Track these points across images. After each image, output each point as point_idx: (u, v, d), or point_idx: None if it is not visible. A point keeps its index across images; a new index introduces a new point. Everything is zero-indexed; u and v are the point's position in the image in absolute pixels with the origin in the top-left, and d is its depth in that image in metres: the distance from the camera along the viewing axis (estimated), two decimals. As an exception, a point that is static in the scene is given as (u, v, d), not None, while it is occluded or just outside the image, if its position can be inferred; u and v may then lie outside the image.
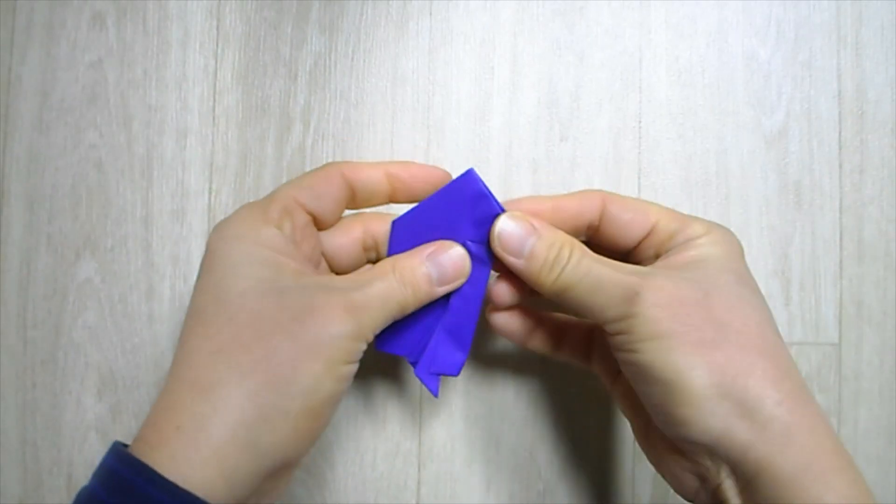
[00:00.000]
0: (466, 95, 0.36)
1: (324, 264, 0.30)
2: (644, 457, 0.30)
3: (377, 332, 0.26)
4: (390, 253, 0.29)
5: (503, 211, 0.28)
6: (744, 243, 0.35)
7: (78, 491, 0.23)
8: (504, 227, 0.28)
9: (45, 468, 0.36)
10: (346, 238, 0.30)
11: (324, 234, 0.30)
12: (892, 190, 0.35)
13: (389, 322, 0.27)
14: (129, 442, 0.25)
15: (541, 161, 0.36)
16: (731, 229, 0.35)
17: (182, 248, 0.36)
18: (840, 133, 0.36)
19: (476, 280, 0.29)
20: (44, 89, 0.37)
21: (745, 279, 0.27)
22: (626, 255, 0.30)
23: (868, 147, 0.35)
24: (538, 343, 0.31)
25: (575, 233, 0.29)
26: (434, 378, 0.30)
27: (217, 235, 0.27)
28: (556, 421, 0.35)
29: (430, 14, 0.36)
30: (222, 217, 0.36)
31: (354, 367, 0.26)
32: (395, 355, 0.30)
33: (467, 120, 0.36)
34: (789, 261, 0.35)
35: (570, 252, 0.27)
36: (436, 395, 0.30)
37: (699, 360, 0.24)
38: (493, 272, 0.29)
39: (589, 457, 0.35)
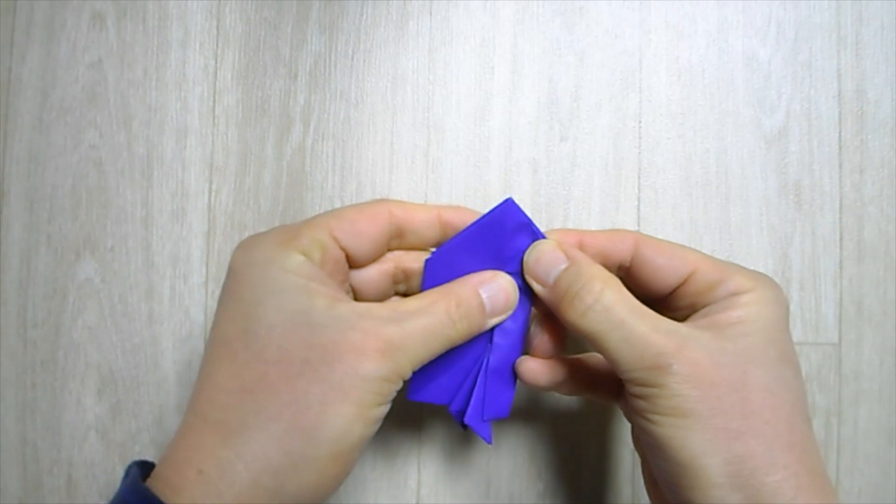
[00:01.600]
0: (466, 95, 0.36)
1: (350, 297, 0.29)
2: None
3: (417, 368, 0.25)
4: (425, 289, 0.27)
5: (543, 236, 0.27)
6: (743, 243, 0.35)
7: None
8: (534, 251, 0.27)
9: (45, 468, 0.36)
10: (375, 270, 0.28)
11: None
12: (892, 190, 0.35)
13: (432, 358, 0.25)
14: (139, 457, 0.24)
15: (541, 161, 0.36)
16: (731, 229, 0.35)
17: (182, 248, 0.36)
18: (840, 133, 0.36)
19: (517, 314, 0.28)
20: (44, 89, 0.37)
21: (788, 353, 0.25)
22: (659, 301, 0.28)
23: (868, 147, 0.35)
24: (566, 390, 0.30)
25: None
26: (486, 425, 0.28)
27: (242, 256, 0.25)
28: (556, 421, 0.35)
29: (430, 14, 0.36)
30: (223, 217, 0.36)
31: (387, 408, 0.25)
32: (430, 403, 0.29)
33: (467, 120, 0.36)
34: (789, 261, 0.35)
35: (601, 290, 0.25)
36: (490, 443, 0.28)
37: (719, 447, 0.23)
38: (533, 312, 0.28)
39: (589, 457, 0.35)
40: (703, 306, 0.26)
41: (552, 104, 0.36)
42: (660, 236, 0.35)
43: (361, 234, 0.27)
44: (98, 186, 0.36)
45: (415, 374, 0.27)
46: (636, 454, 0.35)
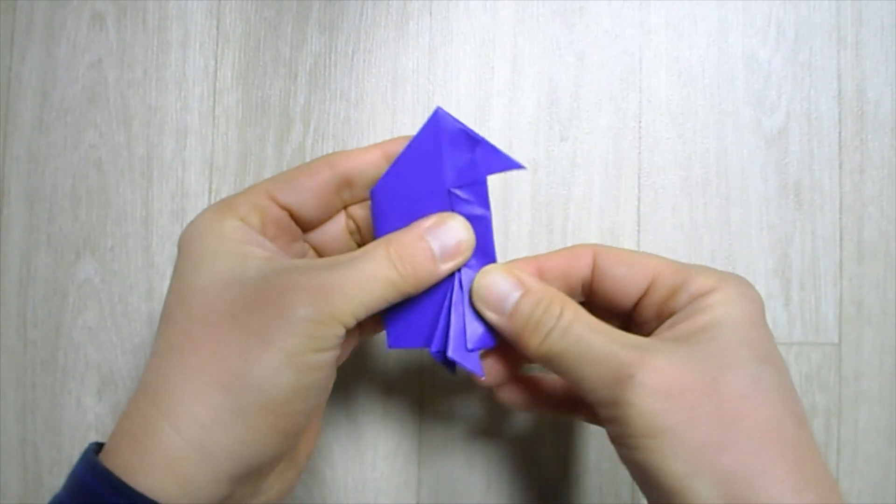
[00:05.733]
0: (466, 95, 0.36)
1: (311, 254, 0.28)
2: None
3: (361, 315, 0.23)
4: (377, 227, 0.26)
5: (483, 140, 0.25)
6: (743, 243, 0.35)
7: (50, 500, 0.22)
8: (483, 279, 0.25)
9: (45, 468, 0.36)
10: (332, 226, 0.28)
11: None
12: (892, 190, 0.35)
13: (383, 305, 0.24)
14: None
15: (541, 161, 0.36)
16: (731, 229, 0.35)
17: (182, 248, 0.36)
18: (840, 133, 0.36)
19: (480, 234, 0.26)
20: (44, 89, 0.37)
21: (766, 351, 0.23)
22: (626, 316, 0.27)
23: (868, 147, 0.35)
24: (555, 409, 0.29)
25: (569, 294, 0.26)
26: (473, 357, 0.26)
27: (183, 235, 0.25)
28: (555, 421, 0.35)
29: (430, 14, 0.36)
30: (222, 217, 0.36)
31: (329, 356, 0.23)
32: (408, 349, 0.28)
33: (467, 120, 0.36)
34: (789, 261, 0.35)
35: (561, 311, 0.24)
36: (482, 376, 0.26)
37: (703, 466, 0.21)
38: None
39: (589, 457, 0.35)
40: (670, 314, 0.25)
41: (552, 104, 0.36)
42: (660, 236, 0.35)
43: (301, 188, 0.26)
44: (98, 186, 0.36)
45: (391, 323, 0.27)
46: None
